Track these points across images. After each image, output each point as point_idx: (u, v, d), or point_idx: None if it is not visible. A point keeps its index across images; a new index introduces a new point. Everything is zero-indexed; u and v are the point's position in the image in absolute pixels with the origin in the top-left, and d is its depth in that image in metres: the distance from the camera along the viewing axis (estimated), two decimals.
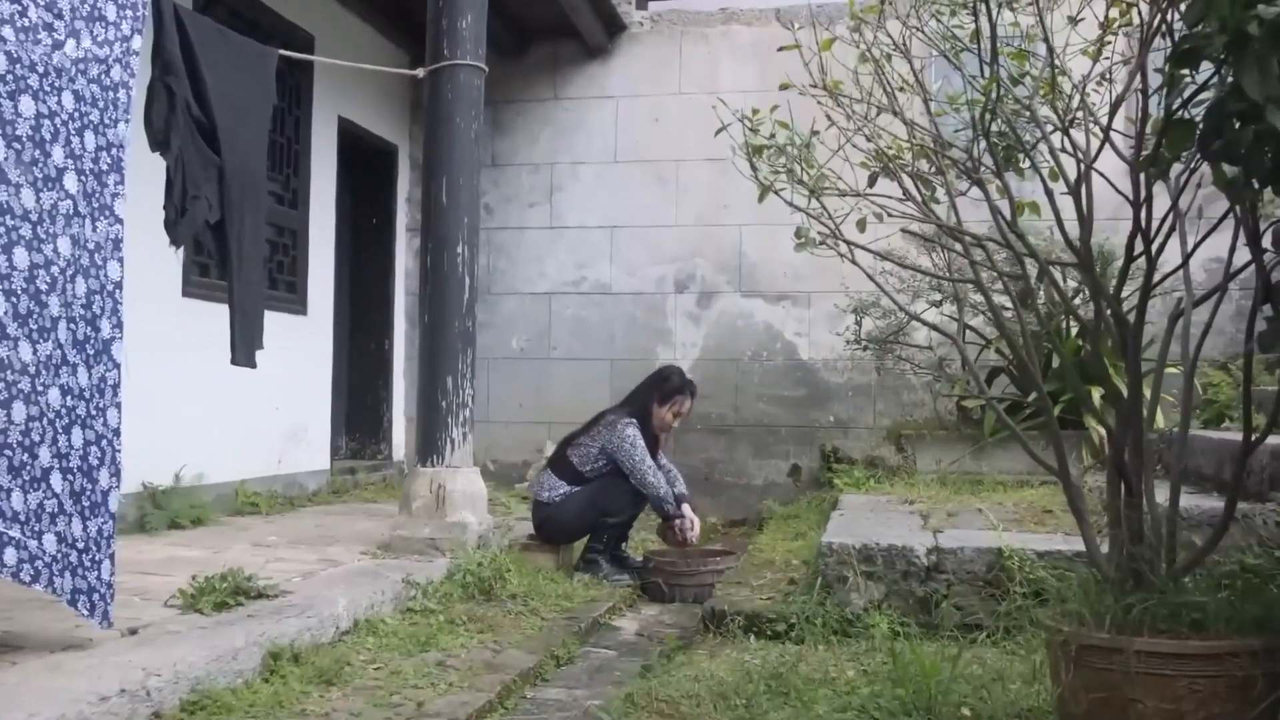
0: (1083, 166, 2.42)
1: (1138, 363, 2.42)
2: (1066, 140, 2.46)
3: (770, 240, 7.76)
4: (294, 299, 6.88)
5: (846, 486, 6.41)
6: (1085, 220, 2.42)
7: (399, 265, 8.22)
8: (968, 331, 6.54)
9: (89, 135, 2.97)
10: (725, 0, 8.19)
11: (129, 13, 3.12)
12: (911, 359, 6.91)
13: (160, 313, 5.50)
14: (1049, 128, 2.56)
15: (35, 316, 2.79)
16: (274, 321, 6.59)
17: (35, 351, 2.79)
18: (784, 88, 2.94)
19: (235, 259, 3.63)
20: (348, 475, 7.48)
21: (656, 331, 8.08)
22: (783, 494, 7.70)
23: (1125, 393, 2.51)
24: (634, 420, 5.43)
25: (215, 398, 5.83)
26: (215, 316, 5.86)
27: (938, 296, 6.13)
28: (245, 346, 3.74)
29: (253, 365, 3.85)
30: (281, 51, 3.99)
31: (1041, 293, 4.91)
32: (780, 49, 2.94)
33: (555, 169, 8.29)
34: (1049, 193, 2.48)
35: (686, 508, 5.42)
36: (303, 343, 6.97)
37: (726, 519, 7.75)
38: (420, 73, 5.13)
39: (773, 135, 2.95)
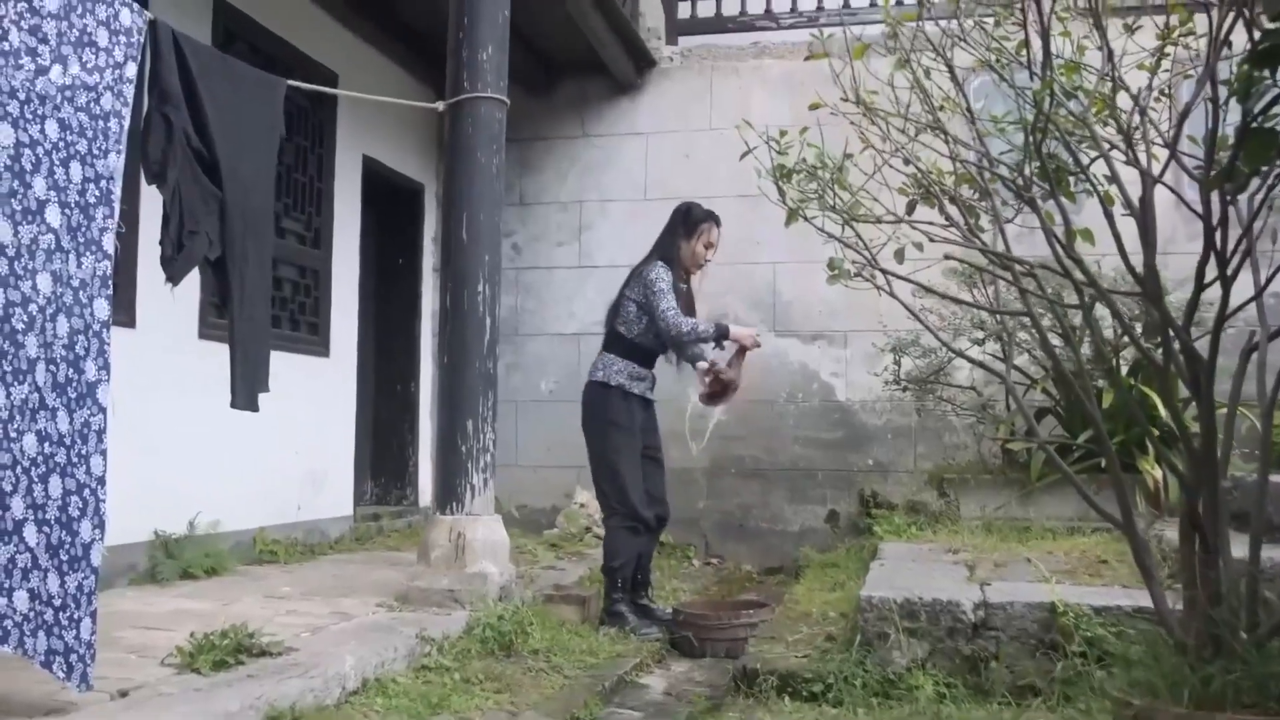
0: (1146, 184, 2.18)
1: (1211, 402, 2.17)
2: (1124, 158, 2.22)
3: (804, 277, 7.53)
4: (315, 340, 6.72)
5: (887, 534, 6.12)
6: (1149, 243, 2.18)
7: (425, 306, 8.06)
8: (1011, 371, 6.30)
9: (75, 166, 2.80)
10: (757, 34, 8.03)
11: (122, 39, 2.96)
12: (953, 400, 6.65)
13: (175, 355, 5.34)
14: (1104, 145, 2.32)
15: (10, 358, 2.61)
16: (295, 363, 6.49)
17: (9, 395, 2.61)
18: (814, 107, 2.73)
19: (237, 296, 3.45)
20: (371, 521, 7.28)
21: (688, 372, 7.80)
22: (820, 540, 7.41)
23: (1181, 433, 2.26)
24: (661, 262, 5.29)
25: (232, 442, 5.65)
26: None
27: (980, 334, 5.86)
28: (247, 388, 3.55)
29: (254, 408, 3.65)
30: (290, 82, 3.83)
31: (1088, 329, 4.65)
32: (807, 57, 2.75)
33: (584, 207, 8.13)
34: (1109, 215, 2.25)
35: (735, 328, 5.39)
36: (324, 385, 6.80)
37: (762, 566, 7.47)
38: (440, 106, 4.97)
39: (803, 159, 2.73)
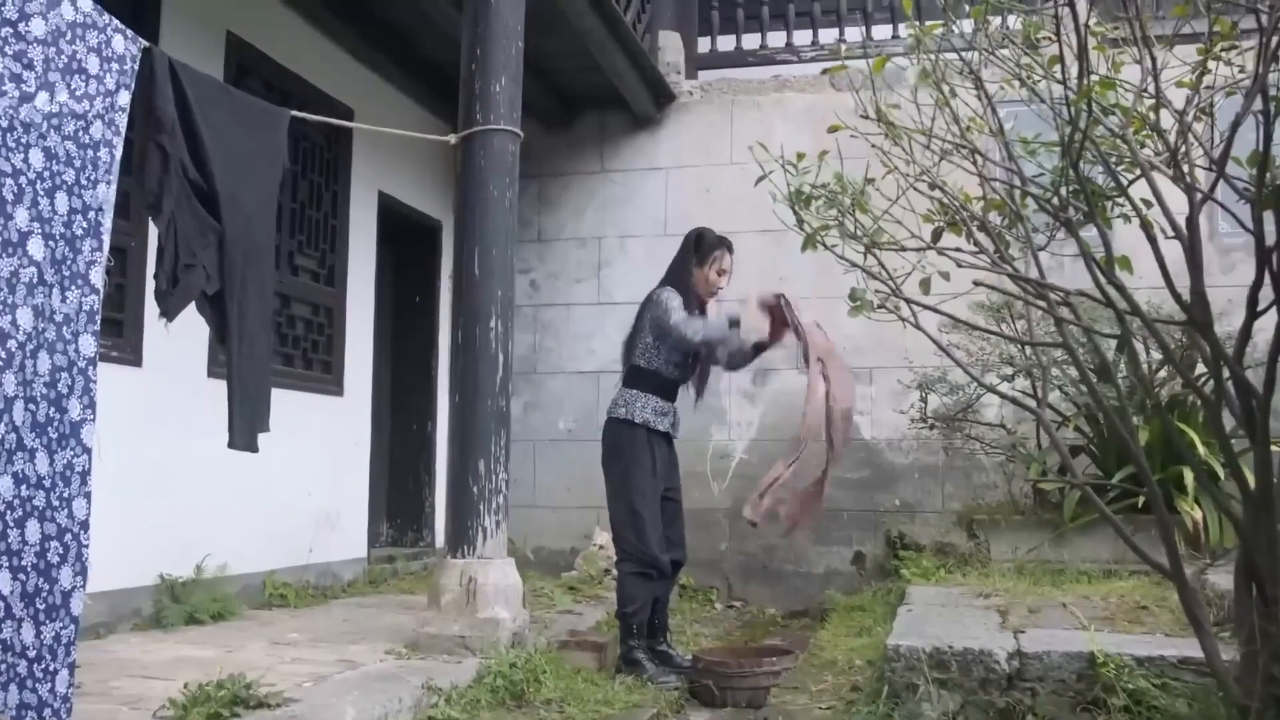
0: (1193, 203, 2.02)
1: (1268, 439, 1.99)
2: (1168, 175, 2.06)
3: (828, 313, 7.25)
4: (329, 379, 6.60)
5: (914, 577, 5.92)
6: (1196, 265, 2.02)
7: (442, 344, 7.93)
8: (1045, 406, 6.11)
9: (61, 197, 2.69)
10: (777, 67, 7.93)
11: (114, 66, 2.86)
12: (982, 438, 6.45)
13: (183, 394, 5.23)
14: (1146, 164, 2.16)
15: None
16: (307, 403, 6.37)
17: None
18: (834, 130, 2.58)
19: (235, 332, 3.32)
20: (386, 564, 7.13)
21: (710, 410, 7.65)
22: (846, 583, 7.20)
23: (1235, 473, 2.08)
24: (671, 288, 5.07)
25: (242, 483, 5.52)
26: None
27: (1009, 370, 5.68)
28: (246, 428, 3.41)
29: (254, 449, 3.52)
30: (294, 113, 3.72)
31: (1130, 361, 4.46)
32: (823, 70, 2.61)
33: (603, 243, 8.01)
34: (1151, 239, 2.09)
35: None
36: (338, 425, 6.67)
37: (786, 610, 7.27)
38: (452, 139, 4.86)
39: (823, 184, 2.59)
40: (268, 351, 3.61)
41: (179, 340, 4.12)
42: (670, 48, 8.00)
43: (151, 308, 4.85)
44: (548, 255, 8.09)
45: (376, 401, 7.21)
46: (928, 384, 6.35)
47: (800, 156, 2.57)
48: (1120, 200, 2.46)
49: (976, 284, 2.43)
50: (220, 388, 5.35)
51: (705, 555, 7.56)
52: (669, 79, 7.84)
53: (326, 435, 6.49)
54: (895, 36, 7.47)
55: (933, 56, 2.21)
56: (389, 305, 7.67)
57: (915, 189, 2.51)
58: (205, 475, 5.29)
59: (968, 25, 2.28)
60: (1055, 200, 2.12)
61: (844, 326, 7.42)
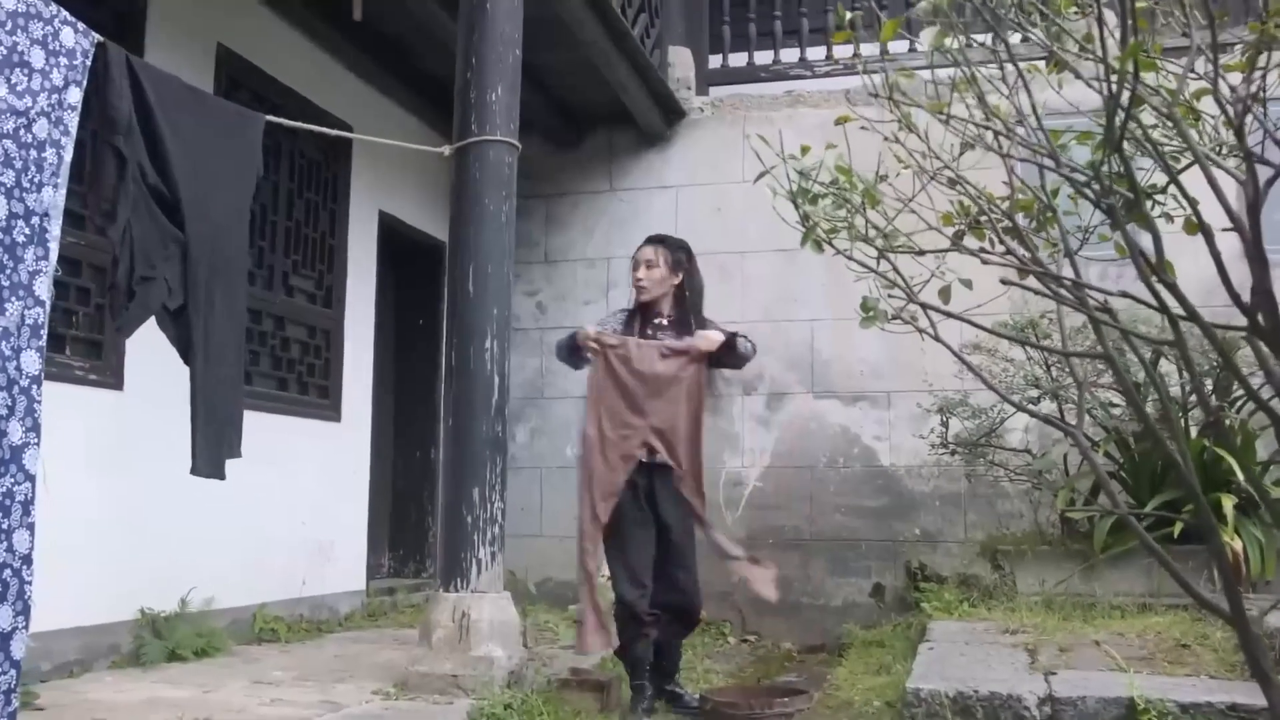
0: (1252, 184, 1.76)
1: None
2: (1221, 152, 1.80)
3: (844, 335, 7.11)
4: (325, 404, 6.37)
5: (936, 611, 5.61)
6: (1259, 259, 1.76)
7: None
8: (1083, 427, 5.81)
9: None
10: (791, 82, 7.70)
11: (62, 60, 2.64)
12: (1006, 464, 6.16)
13: (167, 419, 4.93)
14: (1189, 148, 1.91)
15: None
16: (302, 428, 6.14)
17: None
18: (841, 122, 2.34)
19: (200, 350, 3.09)
20: (386, 596, 6.87)
21: (722, 436, 7.41)
22: (864, 616, 6.90)
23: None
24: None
25: (231, 513, 5.28)
26: None
27: (1035, 393, 5.40)
28: (210, 453, 3.17)
29: (220, 475, 3.27)
30: (269, 118, 3.50)
31: (1188, 371, 4.18)
32: (837, 38, 2.37)
33: (612, 264, 7.76)
34: (1206, 232, 1.82)
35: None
36: (335, 452, 6.43)
37: (802, 644, 6.96)
38: (446, 150, 4.64)
39: (831, 181, 2.34)
40: (238, 372, 3.37)
41: (162, 362, 3.89)
42: (680, 63, 7.79)
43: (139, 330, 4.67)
44: (555, 276, 7.86)
45: (377, 427, 6.97)
46: (948, 408, 6.07)
47: (805, 150, 2.33)
48: (1162, 198, 2.20)
49: (1005, 283, 2.17)
50: None
51: (718, 587, 7.25)
52: (679, 95, 7.63)
53: (322, 462, 6.25)
54: (912, 50, 7.23)
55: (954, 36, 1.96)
56: (390, 328, 7.45)
57: (935, 184, 2.25)
58: (191, 504, 5.03)
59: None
60: (1095, 186, 1.86)
61: (859, 348, 7.22)
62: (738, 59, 8.02)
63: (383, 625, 6.38)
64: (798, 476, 7.26)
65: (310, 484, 6.09)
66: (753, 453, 7.35)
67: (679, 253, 4.68)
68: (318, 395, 6.32)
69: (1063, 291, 2.08)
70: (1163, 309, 1.90)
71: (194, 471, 3.21)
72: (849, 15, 1.98)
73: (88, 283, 4.65)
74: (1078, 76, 1.93)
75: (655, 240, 4.73)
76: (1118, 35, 1.86)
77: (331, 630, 6.06)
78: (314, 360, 6.30)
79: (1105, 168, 1.79)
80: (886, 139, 2.28)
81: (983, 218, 2.29)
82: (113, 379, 4.77)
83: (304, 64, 6.07)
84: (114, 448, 4.72)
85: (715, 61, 8.08)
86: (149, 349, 3.64)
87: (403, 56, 6.61)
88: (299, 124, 3.77)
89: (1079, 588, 5.24)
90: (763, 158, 2.46)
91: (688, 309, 4.73)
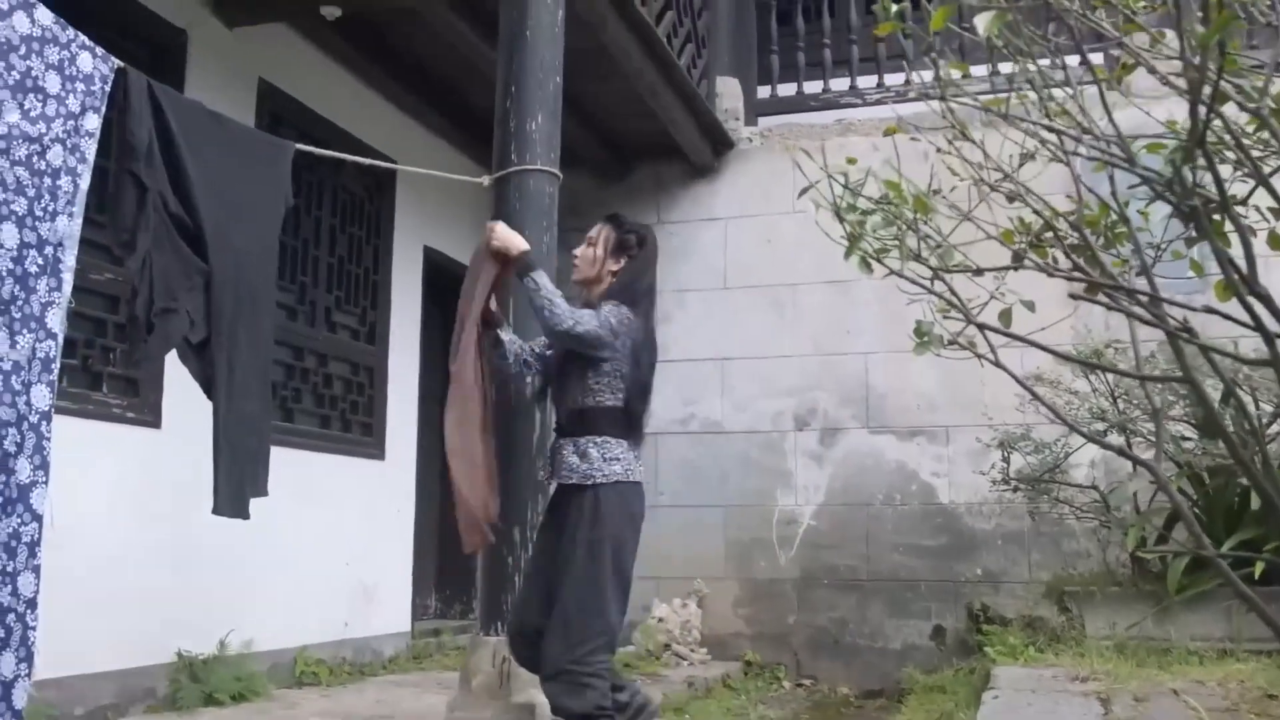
0: None
1: None
2: None
3: (899, 368, 6.90)
4: (370, 442, 6.27)
5: (1000, 655, 5.36)
6: None
7: None
8: (1136, 468, 5.53)
9: (9, 229, 2.38)
10: (841, 111, 7.55)
11: (79, 86, 2.56)
12: (1071, 501, 5.89)
13: (207, 456, 4.90)
14: None
15: None
16: (345, 467, 6.04)
17: None
18: (890, 133, 2.18)
19: (224, 386, 2.98)
20: (432, 638, 6.73)
21: (775, 473, 7.22)
22: (925, 659, 6.64)
23: None
24: None
25: (272, 553, 5.19)
26: (276, 461, 5.26)
27: (1101, 426, 5.15)
28: (233, 492, 3.06)
29: (244, 515, 3.15)
30: (300, 146, 3.41)
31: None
32: (886, 133, 2.20)
33: (660, 298, 7.55)
34: None
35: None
36: (379, 490, 6.32)
37: (860, 689, 6.72)
38: (485, 180, 4.53)
39: (881, 197, 2.18)
40: (264, 407, 3.26)
41: (201, 399, 3.78)
42: (728, 94, 7.68)
43: (172, 364, 4.59)
44: None
45: (422, 465, 6.85)
46: (1009, 442, 5.83)
47: (851, 161, 2.17)
48: (1242, 209, 2.01)
49: (1075, 298, 1.99)
50: None
51: (772, 629, 7.07)
52: (727, 126, 7.51)
53: (366, 501, 6.15)
54: (965, 76, 7.05)
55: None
56: (437, 364, 7.34)
57: (993, 199, 2.08)
58: (231, 544, 4.94)
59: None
60: (1176, 189, 1.68)
61: (915, 381, 7.00)
62: (786, 88, 7.89)
63: (427, 668, 6.24)
64: (853, 514, 7.03)
65: (353, 523, 5.98)
66: (806, 490, 7.14)
67: (629, 236, 3.82)
68: (361, 433, 6.23)
69: (1138, 310, 1.89)
70: (1258, 326, 1.70)
71: (215, 511, 3.10)
72: (894, 7, 1.83)
73: (124, 319, 4.60)
74: (1151, 72, 1.75)
75: (609, 218, 3.96)
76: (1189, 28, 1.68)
77: (374, 673, 5.92)
78: (357, 398, 6.21)
79: (1186, 169, 1.61)
80: (940, 150, 2.12)
81: (1046, 234, 2.11)
82: (150, 416, 4.70)
83: (346, 99, 6.03)
84: (151, 486, 4.64)
85: (764, 91, 7.95)
86: (187, 385, 3.55)
87: (446, 91, 6.55)
88: (331, 153, 3.66)
89: (1152, 631, 4.96)
90: (807, 173, 2.30)
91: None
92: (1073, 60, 2.19)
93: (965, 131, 1.98)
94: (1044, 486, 5.78)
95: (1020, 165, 2.12)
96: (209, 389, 3.01)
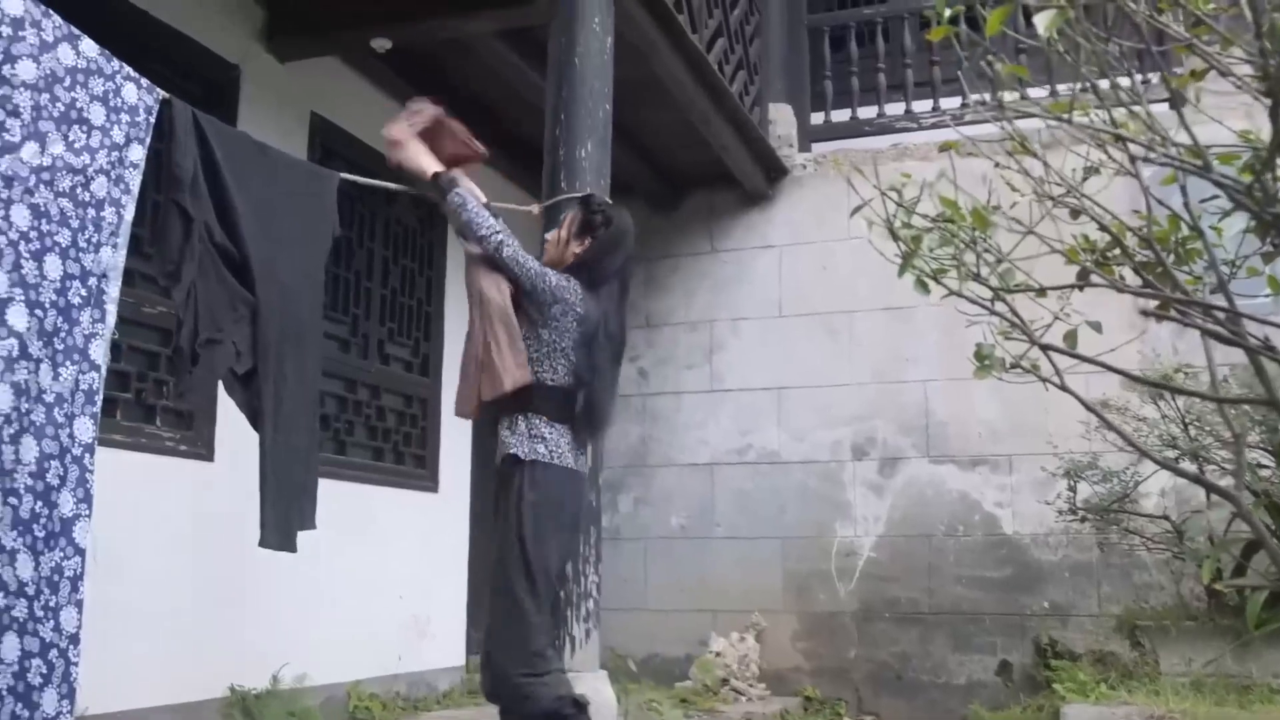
0: None
1: None
2: None
3: (960, 396, 6.75)
4: (423, 474, 6.24)
5: (1070, 692, 5.18)
6: None
7: None
8: (1210, 496, 5.32)
9: (52, 260, 2.36)
10: (896, 135, 7.45)
11: (124, 117, 2.55)
12: (1141, 531, 5.70)
13: (256, 490, 4.90)
14: None
15: None
16: (398, 500, 6.01)
17: None
18: (945, 148, 2.09)
19: (270, 418, 2.95)
20: None
21: (833, 504, 7.08)
22: (991, 696, 6.45)
23: None
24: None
25: (325, 587, 5.17)
26: (329, 495, 5.23)
27: (1172, 454, 4.97)
28: (280, 525, 3.02)
29: (290, 549, 3.12)
30: (344, 175, 3.39)
31: None
32: (941, 148, 2.12)
33: (714, 326, 7.55)
34: None
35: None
36: (432, 523, 6.28)
37: None
38: (535, 209, 4.49)
39: (939, 215, 2.09)
40: (311, 440, 3.22)
41: (253, 432, 3.77)
42: (781, 120, 7.61)
43: (225, 397, 4.59)
44: (656, 341, 7.66)
45: (475, 497, 6.80)
46: (1076, 471, 5.65)
47: (905, 177, 2.09)
48: None
49: (1146, 314, 1.89)
50: None
51: (832, 663, 6.91)
52: (781, 152, 7.44)
53: (419, 534, 6.11)
54: (1024, 97, 6.93)
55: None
56: None
57: (1055, 215, 1.99)
58: (284, 578, 4.94)
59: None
60: (1256, 194, 1.58)
61: (977, 409, 6.83)
62: (840, 114, 7.80)
63: (482, 703, 6.15)
64: (914, 546, 6.87)
65: (407, 556, 5.95)
66: (865, 521, 7.00)
67: (594, 216, 3.58)
68: (414, 465, 6.20)
69: (1215, 327, 1.78)
70: None
71: (262, 543, 3.06)
72: (947, 11, 1.75)
73: (171, 350, 4.62)
74: (1225, 75, 1.66)
75: (581, 199, 3.79)
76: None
77: (429, 708, 5.86)
78: (410, 430, 6.19)
79: (1268, 174, 1.51)
80: (998, 165, 2.03)
81: (1113, 251, 2.01)
82: (203, 450, 4.70)
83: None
84: (204, 519, 4.63)
85: (817, 118, 7.87)
86: (240, 418, 3.54)
87: (496, 120, 6.54)
88: (377, 182, 3.62)
89: (1231, 668, 4.76)
90: (861, 192, 2.22)
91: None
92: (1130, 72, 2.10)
93: (1025, 143, 1.89)
94: (1113, 516, 5.60)
95: (1084, 179, 2.03)
96: (255, 420, 2.99)
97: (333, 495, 5.52)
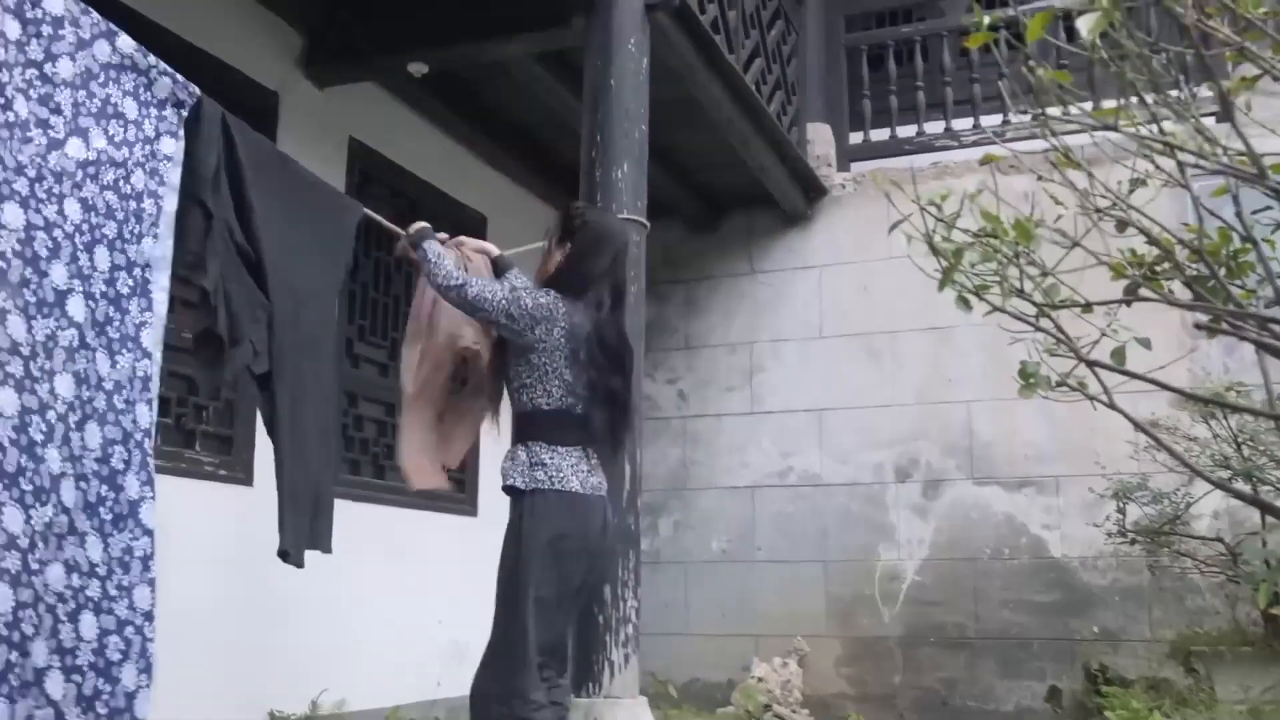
0: None
1: None
2: None
3: (1004, 416, 6.65)
4: (462, 498, 6.23)
5: (1122, 719, 5.05)
6: None
7: None
8: (1265, 518, 5.19)
9: (100, 252, 2.42)
10: (936, 154, 7.38)
11: (153, 111, 2.59)
12: (1194, 554, 5.57)
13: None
14: None
15: (29, 474, 2.19)
16: (436, 523, 6.00)
17: (29, 519, 2.18)
18: (987, 160, 2.05)
19: (286, 428, 2.96)
20: None
21: (876, 527, 6.99)
22: None
23: None
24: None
25: (364, 612, 5.16)
26: (368, 519, 5.24)
27: (1225, 474, 4.85)
28: (294, 540, 3.02)
29: (299, 564, 3.11)
30: (368, 211, 3.38)
31: None
32: (982, 161, 2.08)
33: (754, 348, 7.50)
34: None
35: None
36: (472, 547, 6.22)
37: None
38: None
39: (980, 229, 2.04)
40: (327, 459, 3.22)
41: None
42: (820, 140, 7.56)
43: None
44: (696, 363, 7.62)
45: None
46: (1125, 492, 5.54)
47: (944, 196, 2.04)
48: None
49: (1199, 328, 1.82)
50: (344, 507, 5.03)
51: (877, 689, 6.80)
52: (819, 172, 7.39)
53: (458, 558, 6.08)
54: (1066, 113, 6.84)
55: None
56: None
57: (1099, 228, 1.93)
58: (323, 603, 4.94)
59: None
60: None
61: (1022, 430, 6.72)
62: (879, 133, 7.74)
63: None
64: (960, 569, 6.76)
65: (446, 581, 5.92)
66: (909, 544, 6.90)
67: (572, 220, 3.39)
68: (453, 489, 6.19)
69: (1272, 341, 1.72)
70: None
71: (279, 554, 3.06)
72: (985, 20, 1.71)
73: (194, 342, 4.64)
74: (1278, 79, 1.60)
75: (565, 206, 3.59)
76: None
77: None
78: None
79: None
80: (1041, 178, 1.97)
81: (1164, 264, 1.95)
82: (242, 474, 4.71)
83: (437, 156, 6.06)
84: (244, 543, 4.63)
85: (856, 137, 7.82)
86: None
87: (535, 146, 6.57)
88: (390, 225, 3.47)
89: None
90: (900, 207, 2.18)
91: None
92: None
93: (1069, 154, 1.84)
94: (1164, 539, 5.48)
95: (1131, 191, 1.97)
96: (271, 428, 2.99)
97: (371, 520, 5.55)
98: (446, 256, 3.29)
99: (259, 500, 4.71)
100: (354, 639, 5.17)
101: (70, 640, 2.28)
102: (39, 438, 2.22)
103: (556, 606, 3.28)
